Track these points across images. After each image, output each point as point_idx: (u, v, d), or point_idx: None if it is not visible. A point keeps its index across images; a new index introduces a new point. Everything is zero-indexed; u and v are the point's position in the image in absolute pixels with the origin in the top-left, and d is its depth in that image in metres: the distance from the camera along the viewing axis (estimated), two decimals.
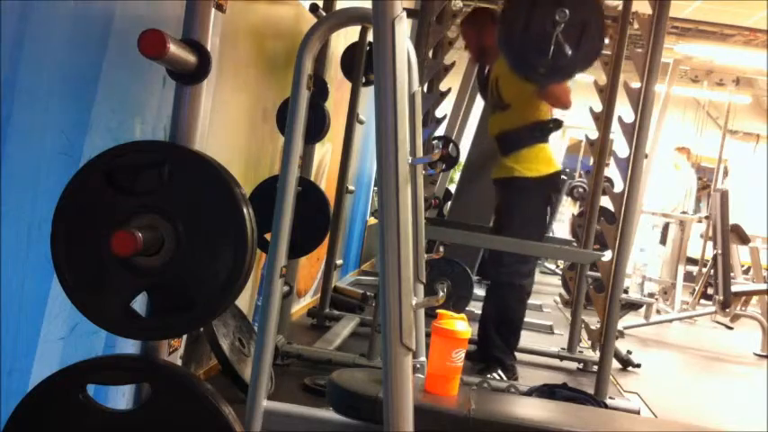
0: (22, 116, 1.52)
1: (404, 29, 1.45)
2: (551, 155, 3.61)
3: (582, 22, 2.89)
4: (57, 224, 1.32)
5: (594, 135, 4.08)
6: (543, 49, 2.87)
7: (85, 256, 1.32)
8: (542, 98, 3.46)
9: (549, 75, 3.06)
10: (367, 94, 4.24)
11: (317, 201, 3.05)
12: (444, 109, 4.36)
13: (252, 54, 3.01)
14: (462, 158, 5.53)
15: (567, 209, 9.57)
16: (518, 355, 3.78)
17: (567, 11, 2.82)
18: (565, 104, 3.44)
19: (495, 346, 3.56)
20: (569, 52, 2.87)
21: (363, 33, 3.94)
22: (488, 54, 3.77)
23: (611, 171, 3.85)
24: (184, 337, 1.91)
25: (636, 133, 3.17)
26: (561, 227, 9.51)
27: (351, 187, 4.29)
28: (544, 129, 3.55)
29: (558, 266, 8.61)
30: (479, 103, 5.37)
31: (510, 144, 3.57)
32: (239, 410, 1.53)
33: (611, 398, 3.24)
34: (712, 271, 6.24)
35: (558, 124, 3.63)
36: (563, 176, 3.60)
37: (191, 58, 1.32)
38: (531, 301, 6.05)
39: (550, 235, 7.24)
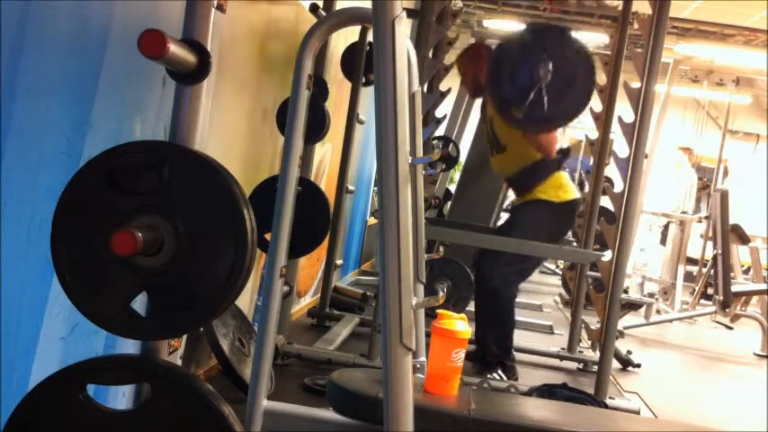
0: (22, 116, 1.52)
1: (404, 29, 1.45)
2: (568, 182, 3.59)
3: (570, 74, 2.93)
4: (57, 224, 1.32)
5: (594, 135, 4.08)
6: (527, 99, 2.91)
7: (85, 256, 1.32)
8: (529, 141, 3.46)
9: (533, 125, 3.13)
10: (367, 94, 4.24)
11: (317, 201, 3.05)
12: (444, 109, 4.36)
13: (252, 54, 3.01)
14: (462, 158, 5.53)
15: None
16: (518, 355, 3.78)
17: (552, 66, 2.87)
18: (548, 153, 3.45)
19: (496, 347, 3.56)
20: (555, 105, 2.91)
21: (363, 33, 3.94)
22: (482, 89, 3.77)
23: (612, 171, 3.85)
24: (184, 337, 1.91)
25: (636, 133, 3.17)
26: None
27: (351, 187, 4.29)
28: (550, 164, 3.54)
29: (558, 266, 8.61)
30: (479, 103, 5.37)
31: (523, 185, 3.57)
32: (239, 410, 1.53)
33: (611, 398, 3.24)
34: (712, 271, 6.24)
35: (566, 153, 3.62)
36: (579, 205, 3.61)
37: (191, 58, 1.32)
38: (530, 301, 6.11)
39: None
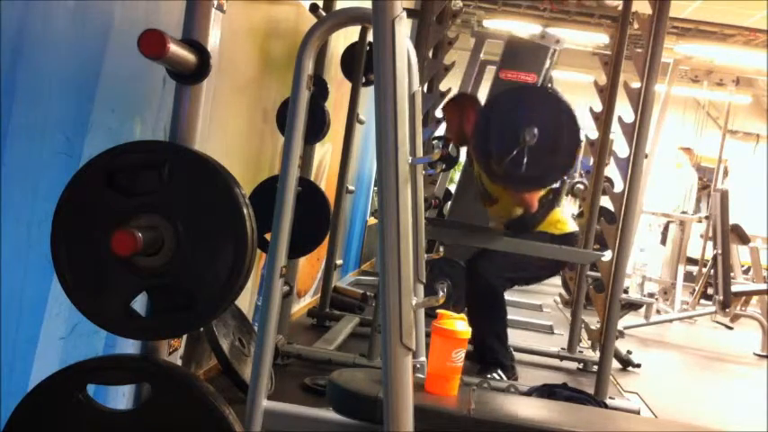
0: (22, 116, 1.52)
1: (404, 29, 1.45)
2: (565, 217, 3.64)
3: (554, 140, 2.97)
4: (57, 224, 1.32)
5: (594, 135, 4.08)
6: (510, 159, 2.96)
7: (85, 256, 1.32)
8: (510, 195, 3.53)
9: (515, 185, 3.22)
10: (367, 94, 4.24)
11: (317, 201, 3.05)
12: None
13: (252, 54, 3.01)
14: (462, 158, 5.52)
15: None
16: (518, 355, 3.78)
17: (537, 132, 2.91)
18: (529, 208, 3.49)
19: (492, 341, 3.55)
20: (532, 168, 2.94)
21: (363, 33, 3.94)
22: (468, 140, 3.79)
23: (612, 171, 3.85)
24: (184, 337, 1.91)
25: (636, 133, 3.17)
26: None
27: (351, 187, 4.29)
28: (545, 206, 3.57)
29: None
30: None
31: (521, 230, 3.59)
32: (239, 410, 1.53)
33: (611, 398, 3.24)
34: (712, 271, 6.24)
35: (557, 192, 3.65)
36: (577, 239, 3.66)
37: (191, 58, 1.32)
38: (530, 301, 6.11)
39: None
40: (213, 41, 1.37)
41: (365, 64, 3.92)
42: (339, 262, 4.59)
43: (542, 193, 3.51)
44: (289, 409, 2.13)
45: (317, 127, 3.21)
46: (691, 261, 7.52)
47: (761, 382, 4.75)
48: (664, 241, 7.70)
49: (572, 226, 3.64)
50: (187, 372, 1.56)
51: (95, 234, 1.30)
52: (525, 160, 2.93)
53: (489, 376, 3.43)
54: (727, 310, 6.00)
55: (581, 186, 6.45)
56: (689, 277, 7.31)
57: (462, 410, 1.91)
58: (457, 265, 4.70)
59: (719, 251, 6.16)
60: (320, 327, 4.28)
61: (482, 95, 5.12)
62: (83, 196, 1.32)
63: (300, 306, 4.54)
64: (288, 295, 3.34)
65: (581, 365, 4.14)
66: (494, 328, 3.55)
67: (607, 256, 3.26)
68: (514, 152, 2.92)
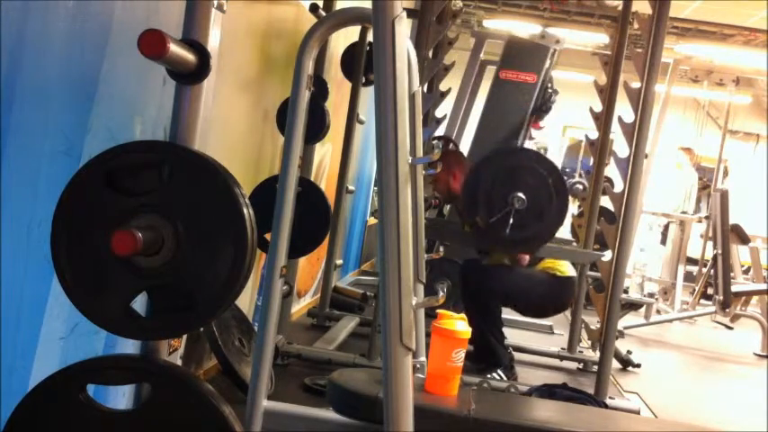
0: (22, 116, 1.52)
1: (404, 29, 1.45)
2: (563, 262, 3.65)
3: (542, 205, 3.01)
4: (57, 224, 1.32)
5: (594, 135, 4.08)
6: (501, 223, 3.00)
7: (85, 256, 1.32)
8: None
9: (504, 248, 3.27)
10: (367, 94, 4.24)
11: (317, 201, 3.05)
12: (444, 109, 4.36)
13: (252, 54, 3.01)
14: None
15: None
16: (518, 355, 3.78)
17: (525, 198, 2.96)
18: (521, 264, 3.54)
19: (490, 345, 3.56)
20: (507, 232, 2.98)
21: (363, 33, 3.94)
22: (456, 197, 3.80)
23: (612, 171, 3.85)
24: (184, 337, 1.91)
25: (636, 133, 3.17)
26: (561, 228, 9.48)
27: (351, 187, 4.29)
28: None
29: None
30: (479, 103, 5.37)
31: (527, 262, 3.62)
32: (239, 410, 1.53)
33: (611, 398, 3.24)
34: (712, 271, 6.23)
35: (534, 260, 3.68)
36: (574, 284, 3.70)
37: (191, 58, 1.32)
38: None
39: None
40: (213, 41, 1.37)
41: (365, 64, 3.92)
42: (339, 262, 4.58)
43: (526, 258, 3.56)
44: (289, 409, 2.13)
45: (317, 127, 3.21)
46: (691, 261, 7.52)
47: (761, 382, 4.75)
48: (664, 241, 7.70)
49: (571, 270, 3.67)
50: (187, 372, 1.56)
51: (95, 234, 1.30)
52: (510, 225, 2.98)
53: (489, 376, 3.43)
54: (727, 310, 6.00)
55: (580, 186, 6.46)
56: (689, 277, 7.31)
57: (462, 410, 1.91)
58: (457, 265, 4.70)
59: (719, 251, 6.16)
60: (320, 327, 4.27)
61: (482, 96, 5.12)
62: (83, 196, 1.32)
63: (300, 306, 4.54)
64: (288, 295, 3.34)
65: (581, 365, 4.14)
66: (489, 328, 3.56)
67: (607, 256, 3.26)
68: (501, 215, 2.98)
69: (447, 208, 5.84)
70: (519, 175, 3.03)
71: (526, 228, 3.01)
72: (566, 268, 3.62)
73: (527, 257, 3.52)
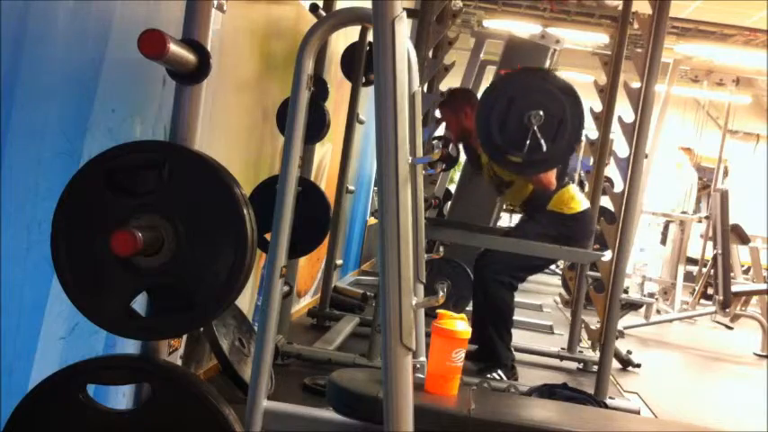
0: (22, 116, 1.52)
1: (404, 29, 1.45)
2: (577, 193, 3.61)
3: (559, 119, 2.94)
4: (57, 224, 1.32)
5: (594, 135, 4.08)
6: (520, 144, 2.93)
7: (85, 256, 1.32)
8: (525, 179, 3.51)
9: (527, 168, 3.15)
10: (367, 94, 4.24)
11: (317, 201, 3.05)
12: None
13: (252, 54, 3.01)
14: (462, 158, 5.53)
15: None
16: (518, 355, 3.78)
17: (542, 113, 2.90)
18: (547, 187, 3.45)
19: (493, 341, 3.55)
20: (544, 149, 2.92)
21: (363, 33, 3.94)
22: (469, 134, 3.78)
23: (611, 171, 3.85)
24: (184, 337, 1.92)
25: (636, 133, 3.17)
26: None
27: (351, 187, 4.28)
28: (557, 178, 3.55)
29: (558, 266, 8.61)
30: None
31: (536, 206, 3.58)
32: (239, 410, 1.53)
33: (611, 398, 3.24)
34: (712, 271, 6.24)
35: (565, 165, 3.64)
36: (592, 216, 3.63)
37: (191, 58, 1.32)
38: (530, 301, 6.11)
39: None
40: (213, 41, 1.37)
41: (365, 64, 3.92)
42: (339, 262, 4.58)
43: (553, 178, 3.48)
44: (289, 409, 2.13)
45: (317, 127, 3.21)
46: (691, 261, 7.53)
47: (761, 382, 4.75)
48: (664, 241, 7.70)
49: (584, 204, 3.60)
50: (187, 372, 1.56)
51: (95, 234, 1.30)
52: (533, 143, 2.90)
53: (489, 376, 3.43)
54: (727, 310, 6.00)
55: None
56: (689, 277, 7.32)
57: (462, 410, 1.91)
58: (457, 265, 4.70)
59: (719, 251, 6.17)
60: (320, 327, 4.27)
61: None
62: (83, 196, 1.32)
63: (300, 306, 4.54)
64: (288, 295, 3.34)
65: (581, 365, 4.14)
66: (498, 329, 3.56)
67: (607, 256, 3.26)
68: (523, 138, 2.90)
69: (447, 207, 5.85)
70: (529, 93, 2.98)
71: (547, 144, 2.94)
72: (579, 203, 3.56)
73: (553, 181, 3.42)
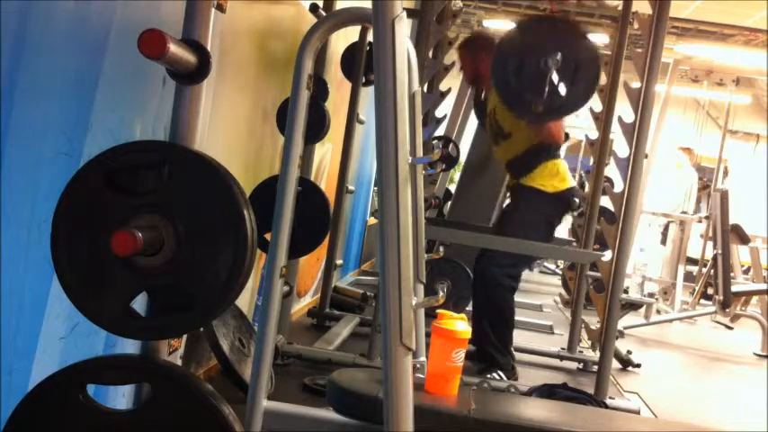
0: (22, 116, 1.52)
1: (404, 29, 1.45)
2: (565, 170, 3.58)
3: (575, 62, 2.92)
4: (57, 224, 1.32)
5: (594, 135, 4.08)
6: (536, 89, 2.90)
7: (85, 256, 1.32)
8: (535, 131, 3.46)
9: (542, 115, 3.10)
10: (367, 94, 4.24)
11: (317, 201, 3.05)
12: (444, 109, 4.36)
13: (252, 54, 3.01)
14: (462, 158, 5.53)
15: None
16: (518, 355, 3.78)
17: (560, 56, 2.86)
18: (557, 139, 3.44)
19: (492, 346, 3.56)
20: (563, 94, 2.89)
21: (363, 33, 3.94)
22: (483, 80, 3.78)
23: (611, 171, 3.85)
24: (184, 337, 1.91)
25: (636, 133, 3.17)
26: (561, 227, 9.49)
27: (351, 187, 4.28)
28: (551, 147, 3.53)
29: (558, 266, 8.61)
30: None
31: (521, 168, 3.55)
32: (239, 410, 1.53)
33: (611, 398, 3.24)
34: (712, 271, 6.24)
35: (565, 138, 3.62)
36: (575, 195, 3.60)
37: (191, 58, 1.32)
38: (530, 301, 6.11)
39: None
40: (213, 41, 1.37)
41: (365, 64, 3.92)
42: (339, 262, 4.58)
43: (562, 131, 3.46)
44: (289, 409, 2.13)
45: (317, 127, 3.21)
46: (691, 261, 7.52)
47: (761, 382, 4.75)
48: (664, 241, 7.70)
49: (570, 181, 3.58)
50: (187, 372, 1.56)
51: (95, 234, 1.30)
52: (551, 88, 2.87)
53: (489, 376, 3.43)
54: (727, 310, 6.00)
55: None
56: (689, 277, 7.32)
57: (462, 410, 1.91)
58: (457, 265, 4.70)
59: (719, 251, 6.17)
60: (320, 327, 4.27)
61: None
62: (83, 196, 1.32)
63: (300, 306, 4.54)
64: (288, 295, 3.34)
65: (581, 365, 4.14)
66: (498, 329, 3.55)
67: (607, 256, 3.26)
68: (540, 83, 2.87)
69: (447, 207, 5.86)
70: (546, 38, 2.95)
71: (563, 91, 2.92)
72: (565, 180, 3.53)
73: (562, 135, 3.39)
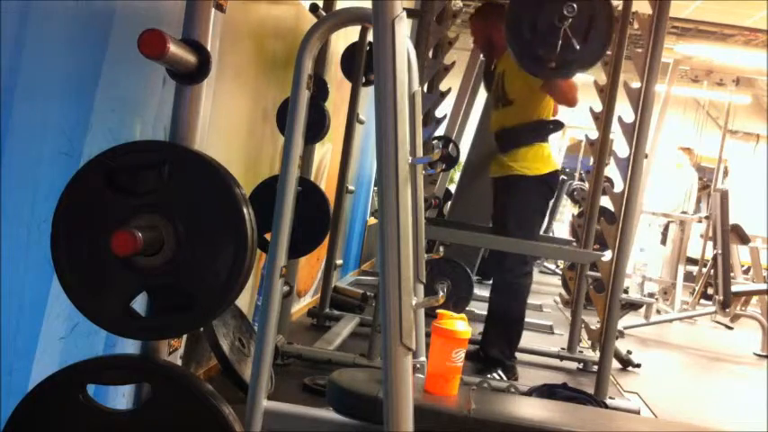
0: (22, 116, 1.52)
1: (404, 29, 1.45)
2: (550, 154, 3.61)
3: (589, 17, 2.89)
4: (57, 224, 1.32)
5: (594, 135, 4.08)
6: (551, 43, 2.88)
7: (85, 256, 1.32)
8: (549, 93, 3.43)
9: (557, 70, 3.06)
10: (367, 94, 4.24)
11: (317, 201, 3.05)
12: (444, 109, 4.36)
13: (252, 54, 3.01)
14: (462, 158, 5.53)
15: (567, 209, 9.58)
16: (518, 355, 3.78)
17: (575, 5, 2.82)
18: (571, 101, 3.38)
19: (496, 346, 3.56)
20: (578, 47, 2.87)
21: (363, 33, 3.94)
22: (495, 49, 3.77)
23: (611, 171, 3.85)
24: (184, 337, 1.91)
25: (636, 133, 3.17)
26: (561, 227, 9.51)
27: (351, 187, 4.29)
28: (545, 128, 3.55)
29: (558, 266, 8.61)
30: (479, 103, 5.37)
31: (509, 141, 3.56)
32: (239, 410, 1.53)
33: (611, 398, 3.24)
34: (712, 271, 6.24)
35: (558, 125, 3.63)
36: (562, 176, 3.60)
37: (191, 58, 1.32)
38: (530, 301, 6.05)
39: (550, 235, 7.25)
40: (213, 41, 1.37)
41: (365, 64, 3.92)
42: (339, 262, 4.58)
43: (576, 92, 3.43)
44: (289, 409, 2.13)
45: (317, 127, 3.21)
46: (691, 261, 7.52)
47: (761, 382, 4.75)
48: (664, 241, 7.69)
49: (555, 165, 3.63)
50: (187, 372, 1.56)
51: (95, 234, 1.30)
52: (564, 41, 2.85)
53: (489, 376, 3.43)
54: (727, 310, 6.00)
55: (582, 190, 6.45)
56: (689, 277, 7.31)
57: (462, 410, 1.91)
58: (457, 265, 4.70)
59: (719, 251, 6.16)
60: (320, 327, 4.27)
61: (482, 96, 5.11)
62: (83, 196, 1.32)
63: (300, 306, 4.54)
64: (288, 295, 3.34)
65: (581, 365, 4.14)
66: (508, 330, 3.57)
67: (607, 256, 3.26)
68: (560, 35, 2.84)
69: (447, 207, 5.85)
70: None
71: (579, 44, 2.89)
72: (550, 164, 3.56)
73: (576, 97, 3.36)
